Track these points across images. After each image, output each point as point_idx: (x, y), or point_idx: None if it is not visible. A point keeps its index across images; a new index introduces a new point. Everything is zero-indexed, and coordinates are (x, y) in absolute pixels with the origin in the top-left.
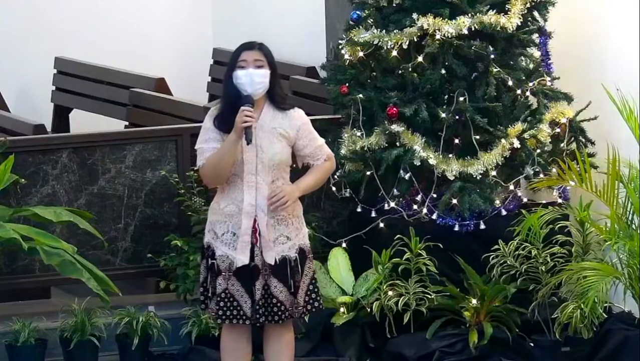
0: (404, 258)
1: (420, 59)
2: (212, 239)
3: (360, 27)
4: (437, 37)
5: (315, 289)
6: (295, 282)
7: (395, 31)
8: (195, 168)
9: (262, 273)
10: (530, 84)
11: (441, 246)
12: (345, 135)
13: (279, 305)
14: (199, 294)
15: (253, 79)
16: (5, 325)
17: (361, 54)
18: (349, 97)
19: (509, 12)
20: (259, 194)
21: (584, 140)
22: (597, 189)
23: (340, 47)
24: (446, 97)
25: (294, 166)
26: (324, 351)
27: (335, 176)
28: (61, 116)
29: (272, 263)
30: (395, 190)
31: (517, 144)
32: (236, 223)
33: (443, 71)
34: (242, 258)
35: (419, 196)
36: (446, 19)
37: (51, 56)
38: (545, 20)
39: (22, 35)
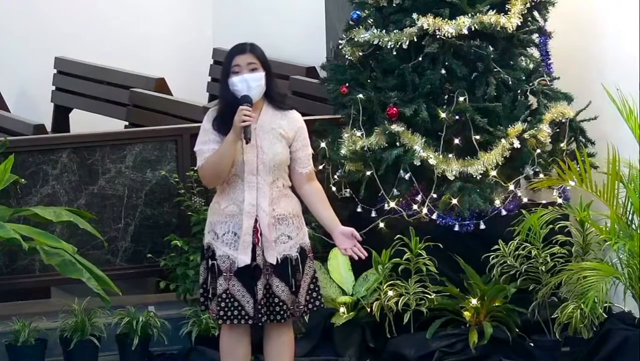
0: (404, 258)
1: (420, 59)
2: (213, 239)
3: (360, 27)
4: (437, 37)
5: (317, 288)
6: (297, 281)
7: (395, 31)
8: (195, 168)
9: (264, 273)
10: (530, 84)
11: (441, 246)
12: (345, 135)
13: (280, 304)
14: (199, 295)
15: (249, 84)
16: (5, 325)
17: (361, 54)
18: (349, 97)
19: (509, 12)
20: (259, 195)
21: (584, 140)
22: (597, 189)
23: (340, 47)
24: (446, 97)
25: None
26: (324, 351)
27: (335, 176)
28: (61, 116)
29: (274, 263)
30: (395, 190)
31: (517, 144)
32: (237, 223)
33: (443, 71)
34: (243, 258)
35: (419, 196)
36: (446, 19)
37: (51, 56)
38: (545, 20)
39: (23, 35)
